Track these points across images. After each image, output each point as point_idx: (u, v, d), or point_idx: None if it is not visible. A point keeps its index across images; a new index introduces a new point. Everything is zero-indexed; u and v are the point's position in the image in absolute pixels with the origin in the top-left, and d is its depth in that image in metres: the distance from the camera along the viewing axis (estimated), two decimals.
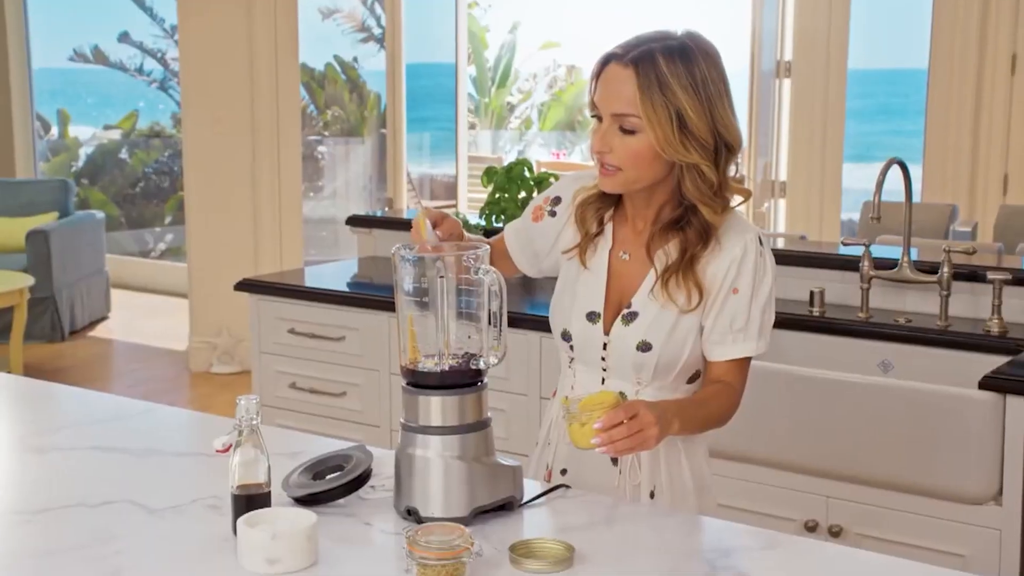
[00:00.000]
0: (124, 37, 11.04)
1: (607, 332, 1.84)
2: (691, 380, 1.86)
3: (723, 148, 1.76)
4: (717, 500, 1.96)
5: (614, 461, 1.85)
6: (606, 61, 1.76)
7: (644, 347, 1.81)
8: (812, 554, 1.65)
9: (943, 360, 2.76)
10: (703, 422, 1.82)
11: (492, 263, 1.71)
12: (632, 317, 1.82)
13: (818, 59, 6.39)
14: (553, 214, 1.91)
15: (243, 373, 5.86)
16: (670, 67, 1.71)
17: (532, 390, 3.01)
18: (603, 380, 1.85)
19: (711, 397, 1.82)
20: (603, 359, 1.84)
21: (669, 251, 1.81)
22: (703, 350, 1.84)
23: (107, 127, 10.94)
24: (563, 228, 1.90)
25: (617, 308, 1.84)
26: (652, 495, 1.85)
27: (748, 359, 1.84)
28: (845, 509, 2.58)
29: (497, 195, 3.54)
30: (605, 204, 1.86)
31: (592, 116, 1.78)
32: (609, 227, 1.87)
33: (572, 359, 1.89)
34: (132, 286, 8.27)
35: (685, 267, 1.79)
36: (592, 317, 1.84)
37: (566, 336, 1.87)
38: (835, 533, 2.58)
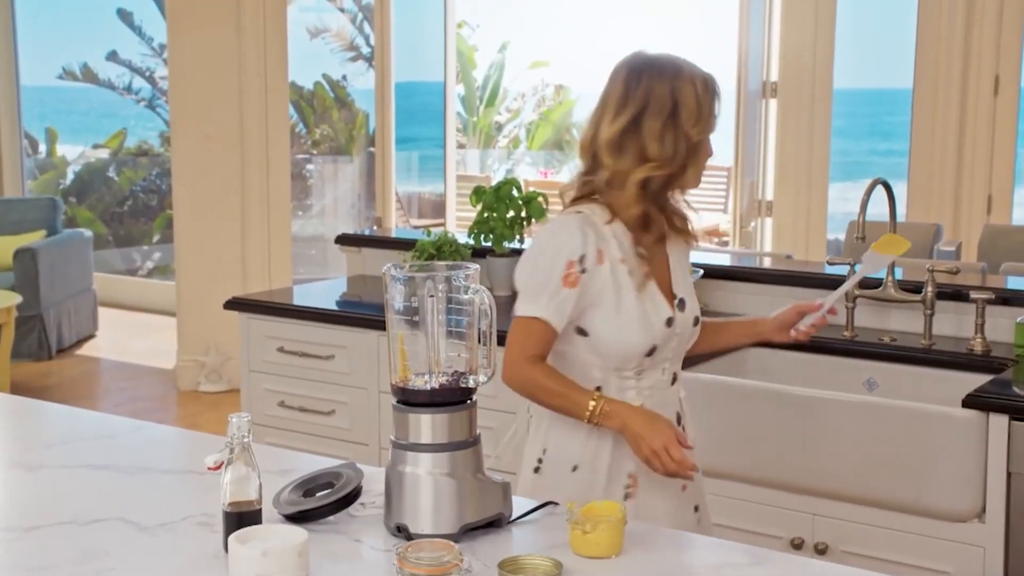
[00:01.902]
0: (112, 56, 11.05)
1: (672, 326, 2.02)
2: None
3: None
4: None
5: (681, 428, 2.05)
6: None
7: (696, 321, 2.07)
8: (798, 571, 1.67)
9: (927, 378, 2.79)
10: None
11: (539, 352, 1.95)
12: (683, 304, 2.04)
13: (804, 79, 6.44)
14: (584, 271, 1.94)
15: (231, 391, 5.85)
16: None
17: (521, 408, 3.03)
18: (663, 371, 2.04)
19: None
20: (671, 350, 2.03)
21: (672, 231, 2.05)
22: None
23: (95, 145, 10.93)
24: (594, 277, 1.95)
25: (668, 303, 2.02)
26: (696, 509, 2.09)
27: None
28: (831, 526, 2.60)
29: (486, 214, 3.56)
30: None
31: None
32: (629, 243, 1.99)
33: (642, 370, 2.00)
34: (120, 304, 8.26)
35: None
36: (670, 322, 2.00)
37: (652, 351, 1.98)
38: (821, 551, 2.60)
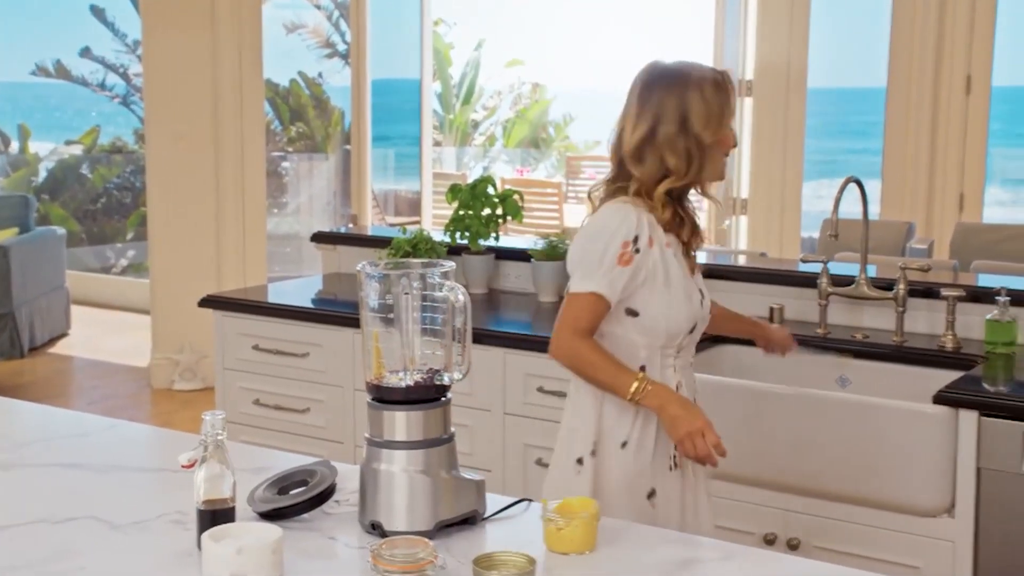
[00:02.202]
0: (86, 52, 10.98)
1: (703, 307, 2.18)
2: None
3: None
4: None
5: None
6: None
7: (711, 313, 2.23)
8: (768, 566, 1.68)
9: (899, 375, 2.81)
10: None
11: (589, 327, 2.06)
12: (702, 293, 2.19)
13: (779, 78, 6.48)
14: (638, 251, 2.07)
15: (206, 390, 5.83)
16: None
17: (496, 406, 3.04)
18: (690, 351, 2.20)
19: None
20: (699, 331, 2.18)
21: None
22: None
23: (68, 142, 10.86)
24: (646, 258, 2.08)
25: None
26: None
27: None
28: (803, 522, 2.62)
29: (461, 212, 3.56)
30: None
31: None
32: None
33: (681, 349, 2.15)
34: (93, 302, 8.20)
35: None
36: (703, 303, 2.17)
37: (693, 329, 2.15)
38: (793, 546, 2.62)
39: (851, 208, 3.06)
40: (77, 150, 10.68)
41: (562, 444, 2.18)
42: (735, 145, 2.16)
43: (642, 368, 2.10)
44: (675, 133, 2.07)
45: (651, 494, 2.11)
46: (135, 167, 10.15)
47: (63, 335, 7.20)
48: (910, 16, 5.91)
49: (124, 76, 10.98)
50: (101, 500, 1.84)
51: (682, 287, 2.11)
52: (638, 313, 2.09)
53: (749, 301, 3.05)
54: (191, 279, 5.67)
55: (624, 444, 2.11)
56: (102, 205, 10.31)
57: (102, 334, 7.39)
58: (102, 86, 11.10)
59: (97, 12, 10.78)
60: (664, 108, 2.07)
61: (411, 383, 1.72)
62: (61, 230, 7.50)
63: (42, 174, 10.50)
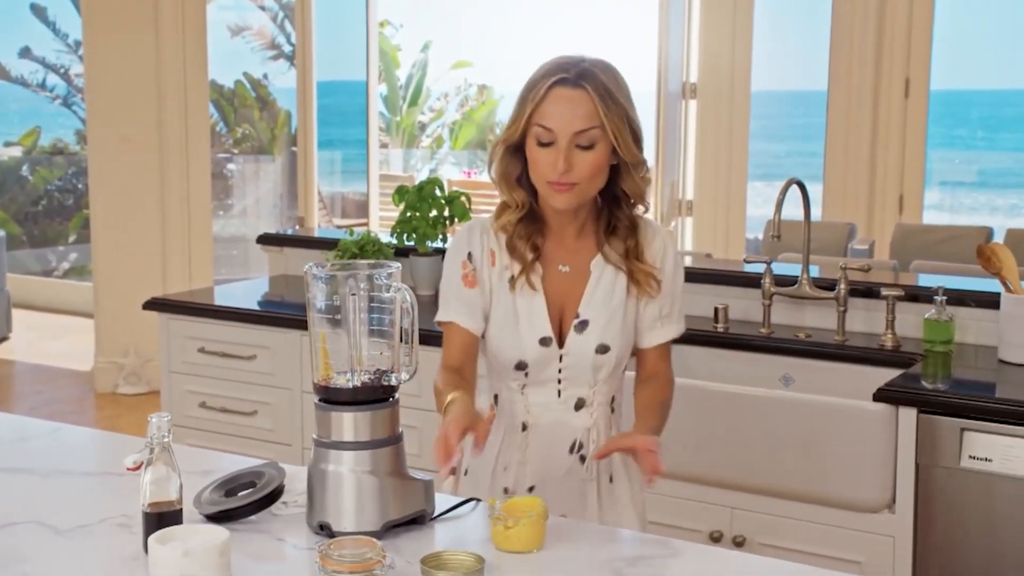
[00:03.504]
0: (25, 52, 10.81)
1: (561, 347, 1.91)
2: (625, 370, 1.99)
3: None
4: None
5: (581, 460, 1.94)
6: (550, 87, 1.81)
7: (602, 349, 1.91)
8: (714, 562, 1.71)
9: (840, 373, 2.86)
10: (665, 421, 1.98)
11: (457, 360, 1.87)
12: (584, 325, 1.91)
13: (723, 81, 6.55)
14: (474, 269, 1.93)
15: (151, 393, 5.77)
16: (609, 79, 1.83)
17: None
18: (559, 393, 1.93)
19: (660, 397, 1.97)
20: (559, 371, 1.92)
21: (607, 252, 1.92)
22: (636, 339, 1.97)
23: (7, 143, 10.68)
24: (483, 278, 1.93)
25: (561, 322, 1.92)
26: (611, 479, 1.98)
27: (671, 341, 2.01)
28: (748, 519, 2.66)
29: (408, 214, 3.56)
30: (533, 229, 1.92)
31: (544, 144, 1.82)
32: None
33: (524, 385, 1.94)
34: (35, 306, 8.09)
35: (637, 258, 1.92)
36: (545, 342, 1.91)
37: (521, 366, 1.91)
38: (739, 543, 2.65)
39: (795, 210, 3.11)
40: (17, 151, 10.50)
41: None
42: (564, 174, 1.79)
43: (496, 397, 1.96)
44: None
45: None
46: (77, 169, 10.00)
47: (3, 339, 7.09)
48: (849, 20, 6.01)
49: (65, 77, 10.82)
50: (45, 505, 1.82)
51: (508, 318, 1.89)
52: (484, 337, 1.94)
53: (695, 301, 3.08)
54: (135, 282, 5.61)
55: (465, 472, 2.00)
56: (43, 207, 10.16)
57: (44, 338, 7.28)
58: (42, 86, 10.94)
59: (38, 11, 10.62)
60: None
61: (358, 384, 1.72)
62: (0, 232, 7.38)
63: None
